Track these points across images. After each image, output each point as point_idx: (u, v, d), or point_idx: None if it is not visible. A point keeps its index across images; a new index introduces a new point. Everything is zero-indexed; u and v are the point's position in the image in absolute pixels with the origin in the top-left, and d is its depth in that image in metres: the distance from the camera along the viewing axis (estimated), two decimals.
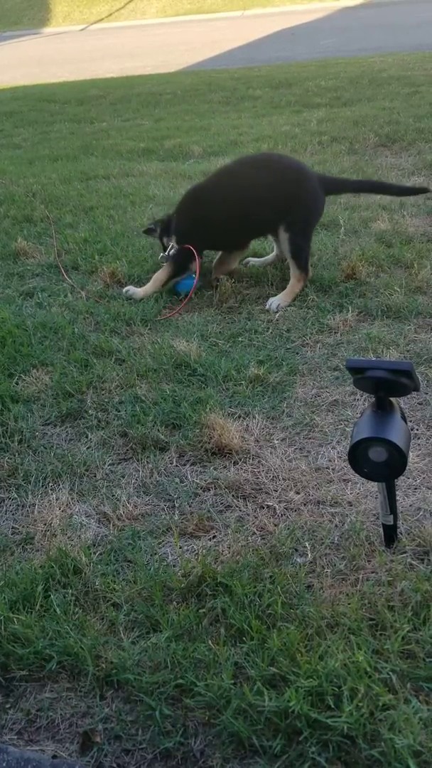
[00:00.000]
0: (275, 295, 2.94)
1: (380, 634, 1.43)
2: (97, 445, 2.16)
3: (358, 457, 1.50)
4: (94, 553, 1.74)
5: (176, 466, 2.04)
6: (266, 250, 3.40)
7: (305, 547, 1.69)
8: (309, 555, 1.66)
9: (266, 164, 3.12)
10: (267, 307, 2.89)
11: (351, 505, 1.81)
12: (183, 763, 1.28)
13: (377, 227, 3.52)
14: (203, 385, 2.37)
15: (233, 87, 8.47)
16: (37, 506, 1.92)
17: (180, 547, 1.73)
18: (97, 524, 1.85)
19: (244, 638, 1.45)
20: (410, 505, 1.79)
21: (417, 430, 2.07)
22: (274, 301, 2.89)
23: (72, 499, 1.94)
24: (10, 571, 1.68)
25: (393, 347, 2.47)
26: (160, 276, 3.07)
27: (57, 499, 1.93)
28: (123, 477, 2.01)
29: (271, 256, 3.28)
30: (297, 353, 2.54)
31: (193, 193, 3.19)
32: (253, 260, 3.31)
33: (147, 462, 2.06)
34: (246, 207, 2.95)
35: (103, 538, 1.79)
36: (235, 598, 1.53)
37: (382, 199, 3.94)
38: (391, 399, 1.53)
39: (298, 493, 1.88)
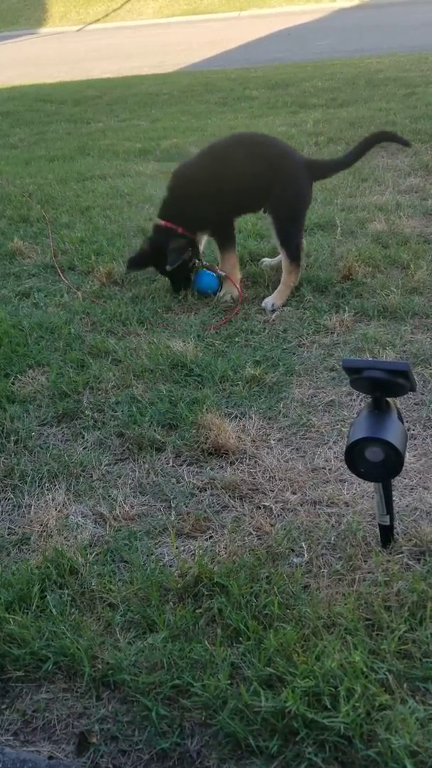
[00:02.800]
0: (270, 295, 2.94)
1: (377, 635, 1.43)
2: (93, 445, 2.15)
3: (354, 457, 1.50)
4: (91, 553, 1.73)
5: (173, 466, 2.04)
6: (269, 252, 3.40)
7: (302, 547, 1.69)
8: (305, 555, 1.66)
9: (248, 142, 3.02)
10: (263, 306, 2.87)
11: (348, 506, 1.82)
12: (179, 764, 1.27)
13: (374, 228, 3.52)
14: (200, 386, 2.37)
15: (230, 88, 8.47)
16: (33, 507, 1.92)
17: (176, 548, 1.73)
18: (94, 525, 1.84)
19: (240, 638, 1.45)
20: (407, 506, 1.79)
21: (413, 430, 2.08)
22: (269, 300, 2.87)
23: (68, 499, 1.94)
24: (6, 572, 1.68)
25: (389, 348, 2.47)
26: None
27: (53, 500, 1.93)
28: (119, 477, 2.01)
29: (276, 260, 3.23)
30: (293, 354, 2.54)
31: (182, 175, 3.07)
32: (266, 261, 3.27)
33: (143, 462, 2.05)
34: (229, 184, 2.85)
35: (99, 539, 1.79)
36: (231, 598, 1.53)
37: (378, 199, 3.95)
38: (388, 399, 1.53)
39: (294, 493, 1.88)
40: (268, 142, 3.02)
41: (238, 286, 2.97)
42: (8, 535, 1.84)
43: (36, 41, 19.92)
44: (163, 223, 2.98)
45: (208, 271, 3.08)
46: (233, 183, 2.86)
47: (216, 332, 2.71)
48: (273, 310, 2.83)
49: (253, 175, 2.85)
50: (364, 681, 1.32)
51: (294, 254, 2.86)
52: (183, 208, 2.94)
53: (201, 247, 3.12)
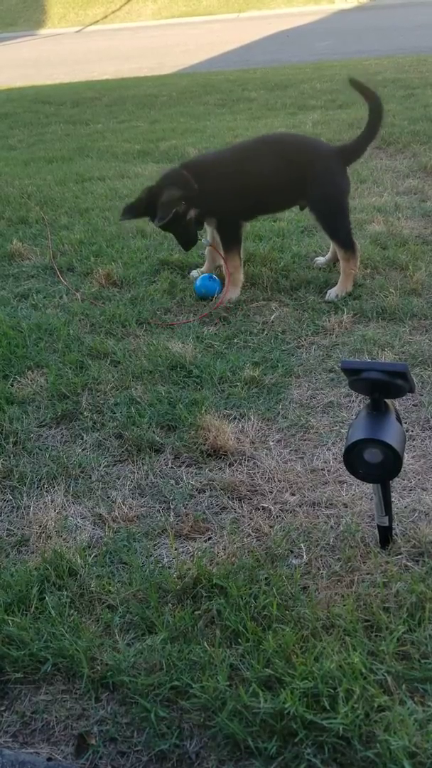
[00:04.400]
0: (269, 298, 2.95)
1: (375, 636, 1.44)
2: (92, 446, 2.15)
3: (353, 458, 1.51)
4: (90, 555, 1.73)
5: (171, 467, 2.04)
6: (270, 252, 3.40)
7: (300, 548, 1.69)
8: (304, 556, 1.66)
9: (279, 145, 3.02)
10: (327, 299, 2.86)
11: (346, 507, 1.82)
12: (178, 765, 1.27)
13: (372, 229, 3.53)
14: (198, 387, 2.37)
15: (229, 89, 8.48)
16: (32, 508, 1.92)
17: (175, 549, 1.73)
18: (93, 526, 1.84)
19: (239, 640, 1.45)
20: (405, 507, 1.79)
21: (412, 431, 2.08)
22: (333, 291, 2.88)
23: (67, 500, 1.94)
24: (4, 573, 1.68)
25: (388, 349, 2.47)
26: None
27: (52, 501, 1.93)
28: (118, 479, 2.01)
29: (330, 252, 3.21)
30: (292, 355, 2.54)
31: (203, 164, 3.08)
32: (319, 260, 3.25)
33: (142, 464, 2.05)
34: (260, 184, 2.88)
35: (98, 540, 1.79)
36: (230, 599, 1.53)
37: (377, 201, 3.95)
38: (387, 401, 1.54)
39: (293, 494, 1.88)
40: (297, 141, 3.05)
41: (231, 280, 2.96)
42: (7, 536, 1.84)
43: (35, 43, 19.92)
44: (182, 171, 2.95)
45: (208, 274, 3.09)
46: (259, 181, 2.88)
47: (214, 330, 2.71)
48: (336, 299, 2.84)
49: (281, 174, 2.86)
50: (363, 682, 1.32)
51: (346, 243, 2.88)
52: (203, 183, 2.92)
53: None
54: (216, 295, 2.98)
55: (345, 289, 2.89)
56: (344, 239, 2.89)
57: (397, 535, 1.69)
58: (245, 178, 2.90)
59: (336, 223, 2.90)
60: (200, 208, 2.93)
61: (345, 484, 1.90)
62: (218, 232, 3.01)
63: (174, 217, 2.84)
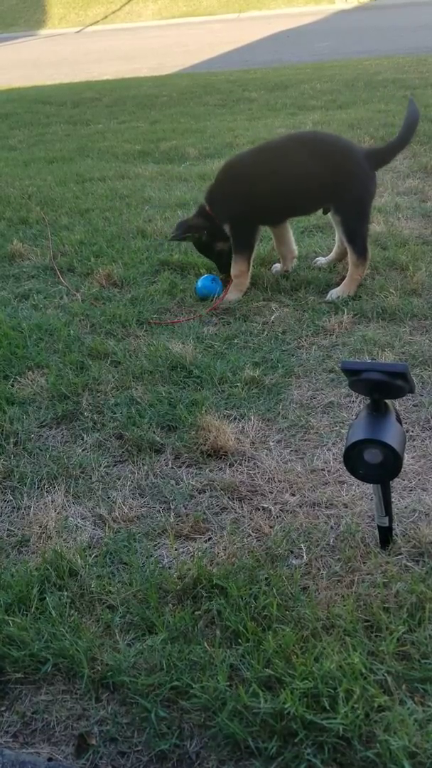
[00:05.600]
0: (269, 298, 2.95)
1: (375, 636, 1.44)
2: (92, 447, 2.15)
3: (353, 459, 1.51)
4: (90, 555, 1.74)
5: (172, 468, 2.04)
6: (268, 254, 3.40)
7: (300, 548, 1.69)
8: (304, 557, 1.66)
9: (311, 144, 2.96)
10: (328, 299, 2.86)
11: (346, 507, 1.82)
12: (178, 766, 1.28)
13: (372, 230, 3.52)
14: (199, 387, 2.37)
15: (229, 89, 8.48)
16: (32, 508, 1.92)
17: (175, 549, 1.73)
18: (93, 526, 1.85)
19: (239, 640, 1.45)
20: (405, 507, 1.79)
21: (412, 432, 2.08)
22: (335, 292, 2.88)
23: (67, 501, 1.94)
24: (5, 574, 1.68)
25: (388, 349, 2.48)
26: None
27: (52, 501, 1.93)
28: (118, 479, 2.01)
29: (333, 253, 3.22)
30: (292, 355, 2.54)
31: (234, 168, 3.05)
32: (320, 260, 3.26)
33: (142, 464, 2.06)
34: (290, 185, 2.86)
35: (98, 541, 1.79)
36: (230, 600, 1.53)
37: (377, 202, 3.95)
38: (387, 401, 1.54)
39: (293, 494, 1.88)
40: (327, 141, 3.00)
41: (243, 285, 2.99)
42: (7, 536, 1.84)
43: (35, 43, 19.94)
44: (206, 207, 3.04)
45: (211, 276, 3.09)
46: (287, 183, 2.87)
47: (214, 331, 2.72)
48: (337, 300, 2.84)
49: (311, 176, 2.83)
50: (363, 682, 1.32)
51: (361, 249, 2.87)
52: (219, 194, 3.00)
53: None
54: (215, 297, 2.98)
55: (347, 291, 2.88)
56: (360, 246, 2.86)
57: (397, 536, 1.69)
58: (276, 180, 2.87)
59: (357, 228, 2.87)
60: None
61: (345, 485, 1.90)
62: (232, 235, 2.98)
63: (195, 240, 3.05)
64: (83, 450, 2.15)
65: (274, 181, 2.87)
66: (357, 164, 2.84)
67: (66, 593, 1.61)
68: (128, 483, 1.99)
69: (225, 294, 2.97)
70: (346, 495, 1.86)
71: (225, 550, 1.70)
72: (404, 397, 2.09)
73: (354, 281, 2.88)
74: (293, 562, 1.65)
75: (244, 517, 1.82)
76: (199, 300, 3.02)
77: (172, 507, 1.89)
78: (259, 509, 1.85)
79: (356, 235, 2.86)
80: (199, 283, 3.05)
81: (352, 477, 1.58)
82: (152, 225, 3.90)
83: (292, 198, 2.93)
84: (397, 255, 3.17)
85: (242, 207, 2.93)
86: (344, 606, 1.49)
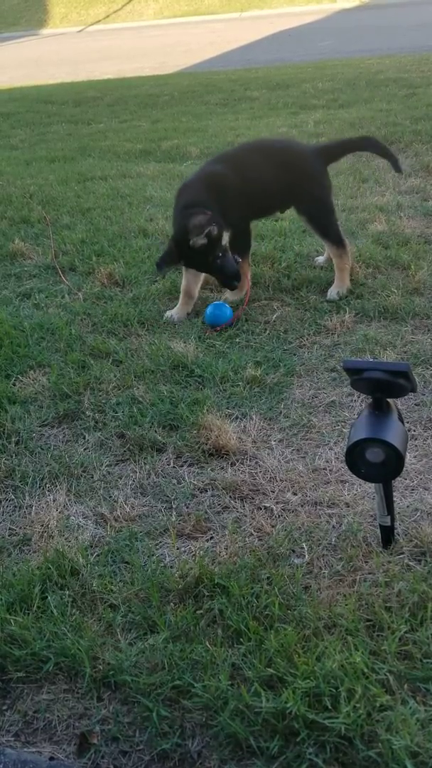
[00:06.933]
0: (270, 297, 2.94)
1: (377, 635, 1.43)
2: (94, 446, 2.15)
3: (355, 458, 1.51)
4: (92, 554, 1.74)
5: (173, 467, 2.04)
6: (270, 253, 3.40)
7: (302, 548, 1.69)
8: (306, 556, 1.66)
9: (265, 150, 3.04)
10: (328, 298, 2.87)
11: (348, 506, 1.82)
12: (180, 765, 1.28)
13: (374, 229, 3.53)
14: (200, 387, 2.37)
15: (230, 88, 8.48)
16: (34, 507, 1.92)
17: (177, 549, 1.73)
18: (95, 525, 1.85)
19: (241, 639, 1.45)
20: (407, 506, 1.79)
21: (414, 431, 2.08)
22: (333, 290, 2.90)
23: (69, 500, 1.94)
24: (7, 573, 1.68)
25: (390, 348, 2.47)
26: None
27: (54, 501, 1.93)
28: (120, 478, 2.01)
29: (326, 251, 3.20)
30: (294, 354, 2.54)
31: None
32: (319, 259, 3.26)
33: (144, 463, 2.05)
34: (254, 191, 2.86)
35: (100, 540, 1.79)
36: (232, 599, 1.53)
37: (379, 200, 3.95)
38: (389, 400, 1.53)
39: (295, 494, 1.88)
40: (278, 146, 3.10)
41: (246, 287, 2.96)
42: (9, 536, 1.84)
43: (37, 42, 19.94)
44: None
45: (221, 302, 2.89)
46: (257, 187, 2.88)
47: (217, 332, 2.71)
48: (338, 297, 2.86)
49: (269, 181, 2.87)
50: (365, 682, 1.32)
51: (336, 239, 2.92)
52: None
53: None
54: (226, 324, 2.79)
55: (344, 285, 2.89)
56: (334, 237, 2.92)
57: (399, 535, 1.69)
58: (248, 186, 2.87)
59: (324, 222, 2.94)
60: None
61: (347, 484, 1.90)
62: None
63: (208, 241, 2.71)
64: (85, 449, 2.15)
65: (241, 188, 2.86)
66: (308, 163, 2.94)
67: (67, 592, 1.61)
68: (130, 482, 1.99)
69: (241, 310, 2.88)
70: (348, 494, 1.86)
71: (227, 549, 1.70)
72: (406, 396, 2.09)
73: (343, 271, 2.91)
74: (295, 561, 1.65)
75: (245, 516, 1.82)
76: (199, 299, 3.02)
77: (174, 506, 1.88)
78: (260, 508, 1.84)
79: (327, 228, 2.93)
80: (209, 311, 2.83)
81: (353, 476, 1.58)
82: (154, 224, 3.90)
83: (255, 202, 2.93)
84: (399, 254, 3.17)
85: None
86: (346, 605, 1.49)
